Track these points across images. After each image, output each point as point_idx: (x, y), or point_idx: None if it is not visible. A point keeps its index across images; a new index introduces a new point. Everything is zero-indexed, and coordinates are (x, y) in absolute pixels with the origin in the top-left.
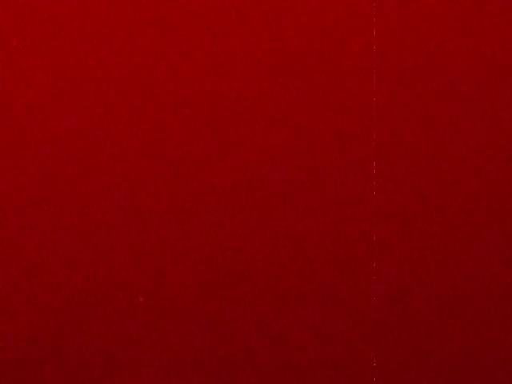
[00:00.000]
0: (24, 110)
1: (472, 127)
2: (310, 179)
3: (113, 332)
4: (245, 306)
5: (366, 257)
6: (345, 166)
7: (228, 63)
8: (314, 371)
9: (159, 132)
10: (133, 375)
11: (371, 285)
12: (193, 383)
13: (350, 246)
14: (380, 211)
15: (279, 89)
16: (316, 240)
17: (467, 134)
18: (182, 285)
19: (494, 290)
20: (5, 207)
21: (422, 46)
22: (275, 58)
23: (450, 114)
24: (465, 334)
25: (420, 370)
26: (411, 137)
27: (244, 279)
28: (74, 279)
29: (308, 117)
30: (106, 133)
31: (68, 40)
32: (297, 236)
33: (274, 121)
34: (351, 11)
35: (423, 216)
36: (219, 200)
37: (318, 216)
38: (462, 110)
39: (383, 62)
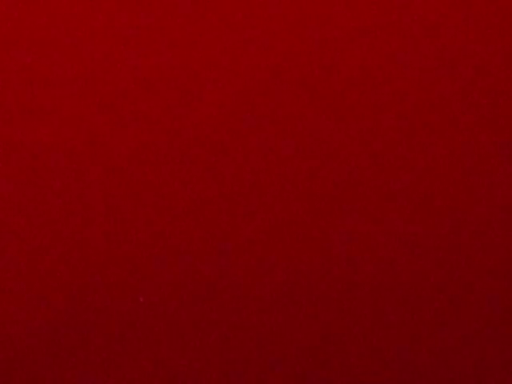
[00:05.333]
0: (23, 109)
1: (471, 126)
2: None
3: (112, 332)
4: (246, 305)
5: (364, 254)
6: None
7: (227, 66)
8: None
9: (157, 134)
10: (133, 375)
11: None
12: (193, 383)
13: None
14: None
15: (281, 91)
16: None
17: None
18: (183, 285)
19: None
20: (4, 206)
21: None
22: (276, 60)
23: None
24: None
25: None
26: (410, 137)
27: (246, 279)
28: (73, 279)
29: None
30: (104, 134)
31: (68, 39)
32: (295, 234)
33: (274, 123)
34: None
35: (422, 214)
36: (219, 199)
37: (318, 215)
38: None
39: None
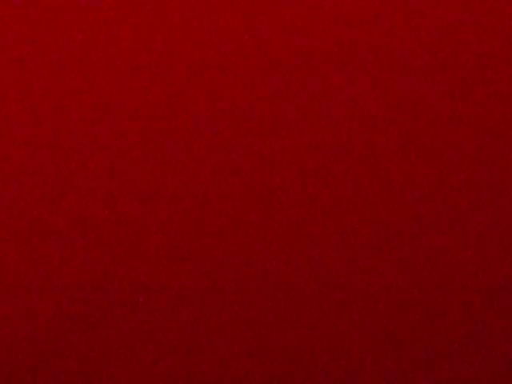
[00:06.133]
0: (23, 109)
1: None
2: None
3: (112, 332)
4: (246, 306)
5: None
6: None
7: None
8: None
9: (155, 135)
10: (132, 375)
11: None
12: (192, 382)
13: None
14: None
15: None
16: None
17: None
18: (183, 285)
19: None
20: (5, 205)
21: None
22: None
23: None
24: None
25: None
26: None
27: (246, 279)
28: (73, 279)
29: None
30: (104, 134)
31: (68, 39)
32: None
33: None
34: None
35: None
36: (218, 199)
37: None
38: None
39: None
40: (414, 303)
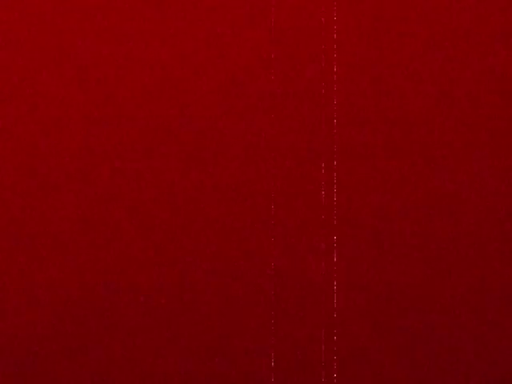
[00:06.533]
0: (23, 109)
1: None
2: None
3: (112, 332)
4: (246, 306)
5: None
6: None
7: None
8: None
9: (154, 136)
10: (132, 375)
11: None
12: (192, 383)
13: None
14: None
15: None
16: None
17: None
18: (183, 285)
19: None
20: (4, 205)
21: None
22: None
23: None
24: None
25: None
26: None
27: (246, 280)
28: (73, 279)
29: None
30: (104, 134)
31: (67, 39)
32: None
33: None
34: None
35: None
36: (218, 199)
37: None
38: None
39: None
40: (413, 303)
